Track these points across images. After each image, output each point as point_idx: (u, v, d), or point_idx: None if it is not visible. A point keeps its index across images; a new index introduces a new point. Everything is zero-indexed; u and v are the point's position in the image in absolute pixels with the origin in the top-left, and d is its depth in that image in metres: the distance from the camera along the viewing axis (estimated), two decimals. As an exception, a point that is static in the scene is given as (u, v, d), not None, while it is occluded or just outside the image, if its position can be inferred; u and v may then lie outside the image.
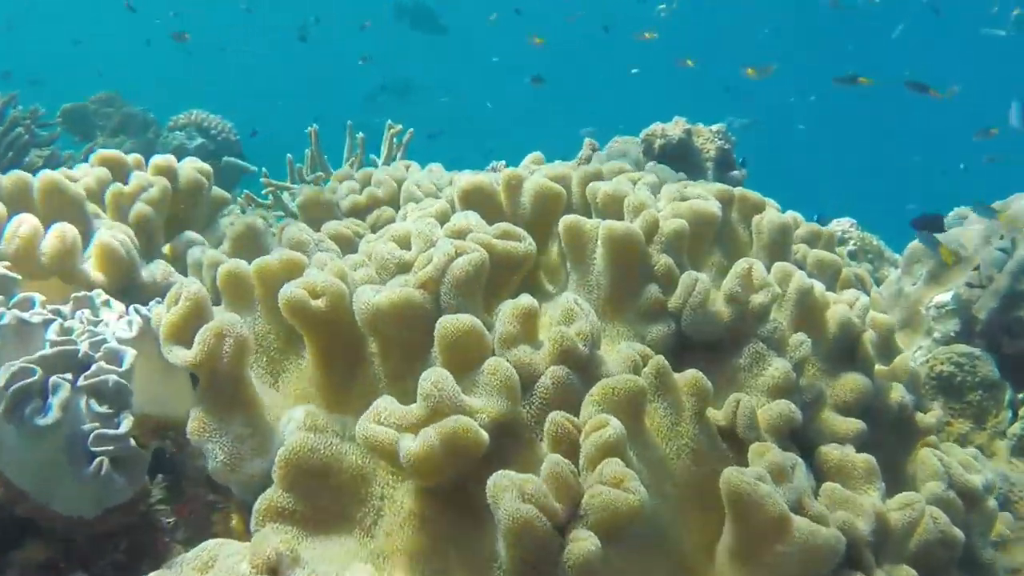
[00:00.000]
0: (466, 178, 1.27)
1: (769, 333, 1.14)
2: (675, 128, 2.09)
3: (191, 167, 1.50)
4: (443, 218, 1.26)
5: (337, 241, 1.31)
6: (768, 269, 1.34)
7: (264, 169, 2.27)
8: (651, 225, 1.18)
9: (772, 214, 1.36)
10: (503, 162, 2.15)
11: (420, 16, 9.13)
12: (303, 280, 1.05)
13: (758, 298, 1.14)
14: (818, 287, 1.21)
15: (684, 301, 1.13)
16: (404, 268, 1.13)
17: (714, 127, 2.17)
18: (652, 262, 1.16)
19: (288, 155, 2.12)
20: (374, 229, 1.39)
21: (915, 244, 1.90)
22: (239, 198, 2.15)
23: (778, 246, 1.36)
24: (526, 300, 1.03)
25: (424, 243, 1.14)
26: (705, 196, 1.30)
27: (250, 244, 1.34)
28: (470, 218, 1.16)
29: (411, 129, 2.26)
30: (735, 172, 2.14)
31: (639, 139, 2.15)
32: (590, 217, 1.34)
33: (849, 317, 1.20)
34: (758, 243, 1.37)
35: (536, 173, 1.34)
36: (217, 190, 1.68)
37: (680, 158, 2.09)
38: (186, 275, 1.37)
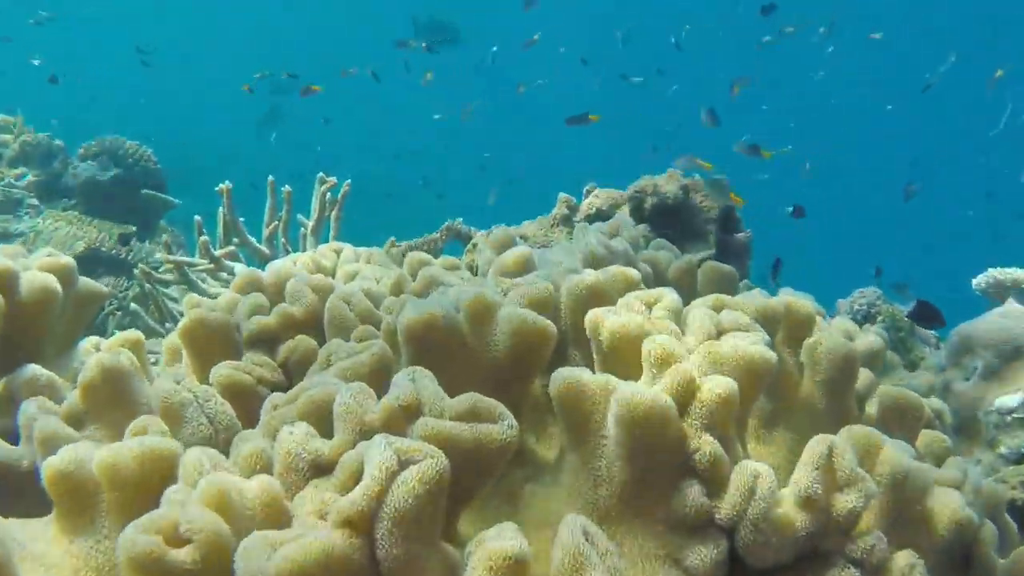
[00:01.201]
0: (412, 313, 0.88)
1: (864, 554, 0.78)
2: (670, 183, 1.73)
3: (38, 275, 1.09)
4: (383, 367, 0.88)
5: (233, 395, 0.92)
6: (830, 419, 0.98)
7: (198, 218, 1.85)
8: (686, 389, 0.81)
9: (832, 339, 1.00)
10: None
11: (435, 30, 8.79)
12: (159, 516, 0.66)
13: (846, 501, 0.78)
14: (916, 469, 0.85)
15: (742, 511, 0.77)
16: (321, 470, 0.75)
17: (712, 178, 1.81)
18: (690, 447, 0.79)
19: (196, 217, 1.71)
20: (288, 369, 1.00)
21: (964, 329, 1.56)
22: (136, 270, 1.73)
23: (840, 384, 1.00)
24: (511, 545, 0.65)
25: (352, 429, 0.76)
26: (750, 326, 0.93)
27: (108, 395, 0.94)
28: (421, 390, 0.77)
29: (348, 181, 1.86)
30: (740, 235, 1.79)
31: (625, 193, 1.79)
32: (584, 343, 0.98)
33: (966, 514, 0.84)
34: (812, 376, 1.02)
35: (516, 291, 0.96)
36: (87, 286, 1.26)
37: (676, 219, 1.73)
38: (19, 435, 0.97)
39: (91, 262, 3.16)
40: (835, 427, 1.00)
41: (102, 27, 14.72)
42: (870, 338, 1.15)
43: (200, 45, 15.33)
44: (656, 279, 1.36)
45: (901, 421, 1.00)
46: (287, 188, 1.80)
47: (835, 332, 1.02)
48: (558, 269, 1.25)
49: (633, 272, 1.03)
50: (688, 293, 1.36)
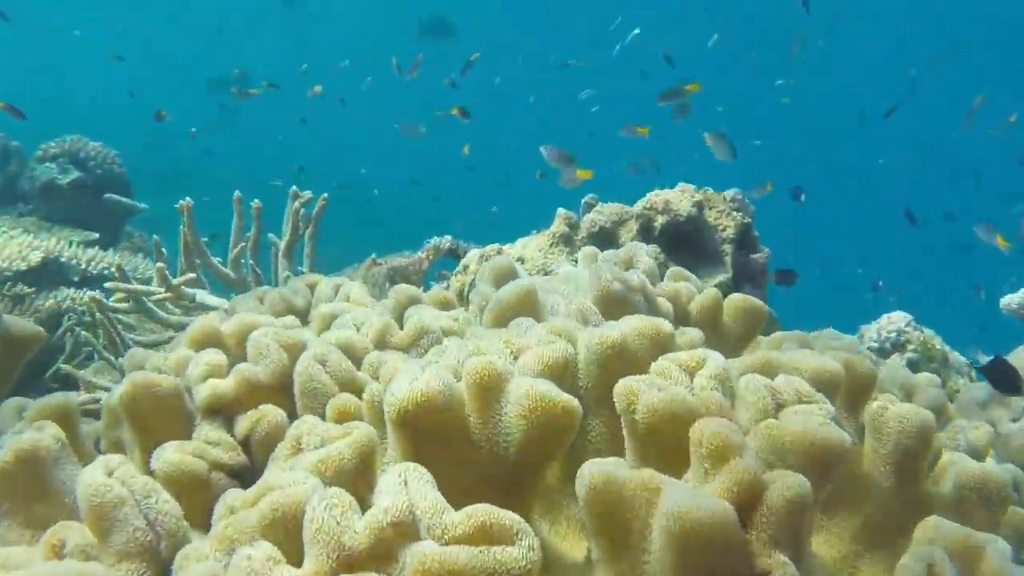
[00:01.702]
0: (403, 390, 0.71)
1: None
2: (682, 200, 1.56)
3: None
4: (365, 460, 0.70)
5: (182, 487, 0.74)
6: (901, 503, 0.83)
7: (156, 237, 1.66)
8: (750, 493, 0.64)
9: (903, 407, 0.84)
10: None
11: (435, 28, 8.71)
12: None
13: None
14: (1029, 580, 0.69)
15: (825, 655, 0.60)
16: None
17: (728, 193, 1.65)
18: (758, 568, 0.63)
19: (155, 236, 1.52)
20: (250, 447, 0.82)
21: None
22: (85, 297, 1.54)
23: (912, 460, 0.84)
24: None
25: (329, 555, 0.59)
26: (812, 396, 0.77)
27: (25, 486, 0.77)
28: (417, 501, 0.60)
29: (324, 195, 1.68)
30: (757, 255, 1.63)
31: (631, 209, 1.62)
32: (605, 409, 0.82)
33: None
34: (876, 448, 0.86)
35: (529, 356, 0.79)
36: (17, 327, 1.08)
37: (689, 238, 1.57)
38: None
39: (49, 273, 2.95)
40: (907, 511, 0.84)
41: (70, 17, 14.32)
42: (932, 393, 0.99)
43: (177, 38, 15.01)
44: (677, 316, 1.19)
45: (984, 504, 0.84)
46: (256, 203, 1.61)
47: (911, 407, 0.85)
48: (570, 307, 1.08)
49: (664, 325, 0.87)
50: (713, 331, 1.20)
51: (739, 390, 0.77)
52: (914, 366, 1.57)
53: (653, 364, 0.79)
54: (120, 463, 0.74)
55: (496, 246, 1.59)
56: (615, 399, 0.75)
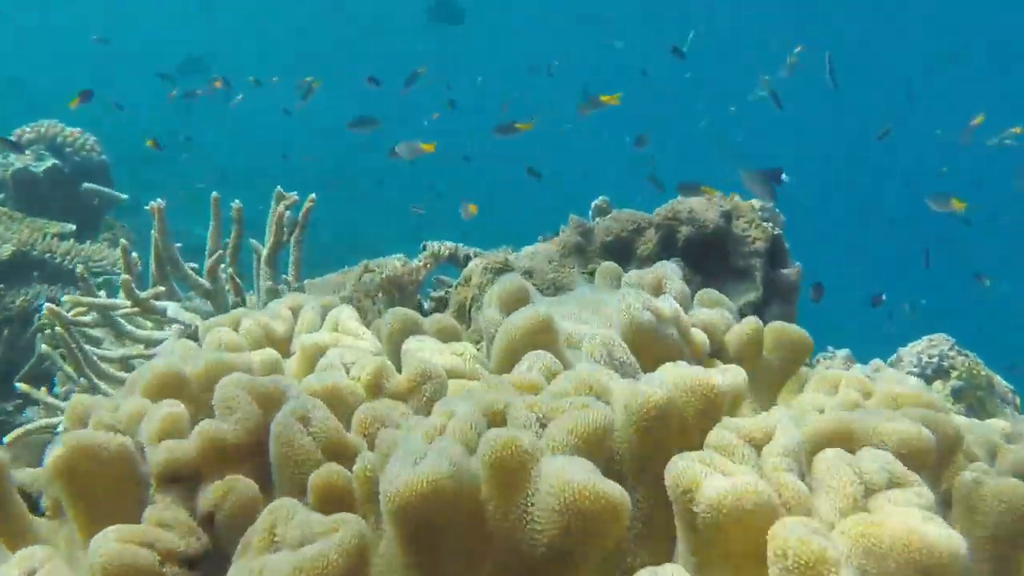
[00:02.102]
0: (404, 478, 0.56)
1: None
2: (708, 209, 1.41)
3: None
4: (356, 567, 0.56)
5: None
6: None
7: (124, 242, 1.51)
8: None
9: (1007, 485, 0.70)
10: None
11: (443, 12, 8.44)
12: None
13: None
14: None
15: None
16: None
17: (757, 201, 1.50)
18: None
19: (123, 241, 1.36)
20: (215, 527, 0.67)
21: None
22: (43, 309, 1.38)
23: (1015, 545, 0.70)
24: None
25: None
26: (906, 478, 0.62)
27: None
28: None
29: (312, 196, 1.52)
30: (788, 270, 1.49)
31: (651, 218, 1.47)
32: (647, 480, 0.68)
33: None
34: (968, 527, 0.71)
35: (559, 424, 0.64)
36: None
37: (715, 252, 1.42)
38: None
39: (21, 267, 2.79)
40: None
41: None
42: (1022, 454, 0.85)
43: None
44: (712, 348, 1.05)
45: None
46: (236, 204, 1.46)
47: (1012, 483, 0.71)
48: (593, 341, 0.93)
49: (715, 380, 0.72)
50: (752, 365, 1.06)
51: (817, 470, 0.63)
52: (959, 393, 1.43)
53: (711, 435, 0.65)
54: (44, 561, 0.59)
55: (502, 255, 1.44)
56: (668, 484, 0.61)
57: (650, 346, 0.96)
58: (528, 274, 1.41)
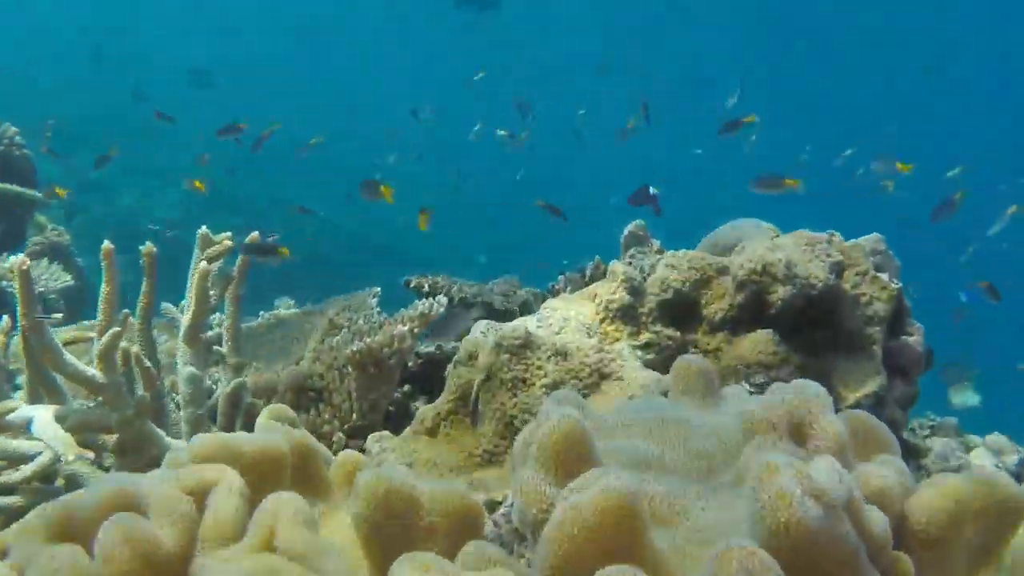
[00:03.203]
0: None
1: None
2: (811, 260, 1.00)
3: None
4: None
5: None
6: None
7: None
8: None
9: None
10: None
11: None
12: None
13: None
14: None
15: None
16: None
17: (867, 241, 1.10)
18: None
19: (5, 319, 0.93)
20: None
21: None
22: None
23: None
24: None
25: None
26: None
27: None
28: None
29: (255, 235, 1.09)
30: (910, 338, 1.08)
31: (727, 267, 1.06)
32: None
33: None
34: None
35: None
36: None
37: (821, 317, 1.01)
38: None
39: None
40: None
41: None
42: None
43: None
44: (887, 513, 0.64)
45: None
46: (148, 248, 1.02)
47: None
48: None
49: None
50: (951, 548, 0.66)
51: None
52: None
53: None
54: None
55: (521, 327, 1.00)
56: None
57: (816, 560, 0.55)
58: (561, 355, 0.99)
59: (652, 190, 2.26)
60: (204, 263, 0.97)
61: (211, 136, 3.47)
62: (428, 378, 1.39)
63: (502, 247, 7.97)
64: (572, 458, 0.62)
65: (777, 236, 1.21)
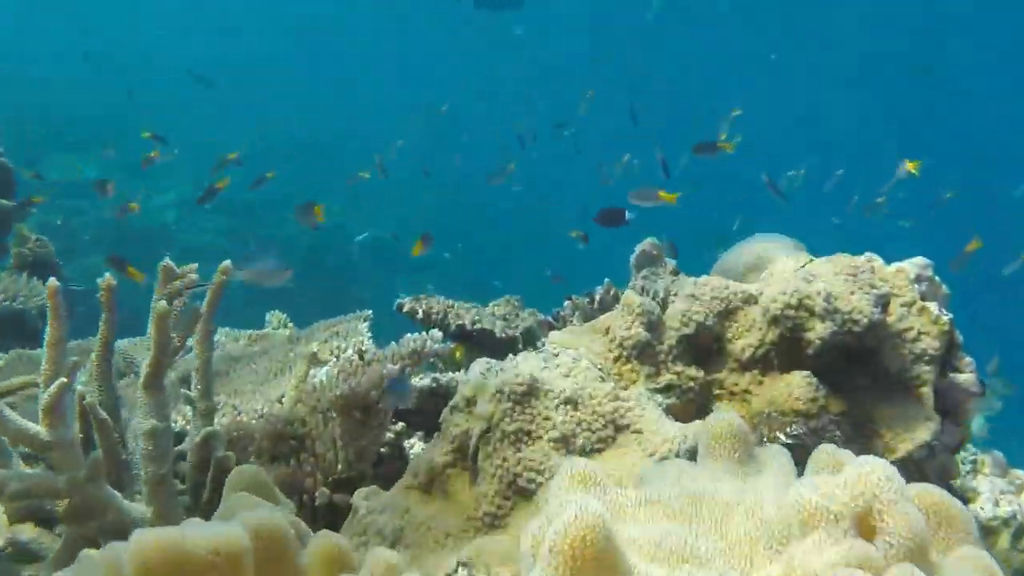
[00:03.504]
0: None
1: None
2: (854, 292, 0.88)
3: None
4: None
5: None
6: None
7: None
8: None
9: None
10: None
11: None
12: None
13: None
14: None
15: None
16: None
17: (912, 267, 0.98)
18: None
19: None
20: None
21: None
22: None
23: None
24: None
25: None
26: None
27: None
28: None
29: (225, 264, 0.98)
30: (962, 375, 0.96)
31: (757, 298, 0.94)
32: None
33: None
34: None
35: None
36: None
37: (864, 355, 0.90)
38: None
39: None
40: None
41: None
42: None
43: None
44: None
45: None
46: (107, 281, 0.91)
47: None
48: None
49: None
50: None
51: None
52: None
53: None
54: None
55: (525, 373, 0.88)
56: None
57: None
58: (571, 404, 0.87)
59: (628, 215, 2.16)
60: (163, 303, 0.86)
61: (212, 136, 3.36)
62: (424, 413, 1.28)
63: (502, 247, 7.85)
64: (591, 568, 0.51)
65: (804, 255, 1.10)
